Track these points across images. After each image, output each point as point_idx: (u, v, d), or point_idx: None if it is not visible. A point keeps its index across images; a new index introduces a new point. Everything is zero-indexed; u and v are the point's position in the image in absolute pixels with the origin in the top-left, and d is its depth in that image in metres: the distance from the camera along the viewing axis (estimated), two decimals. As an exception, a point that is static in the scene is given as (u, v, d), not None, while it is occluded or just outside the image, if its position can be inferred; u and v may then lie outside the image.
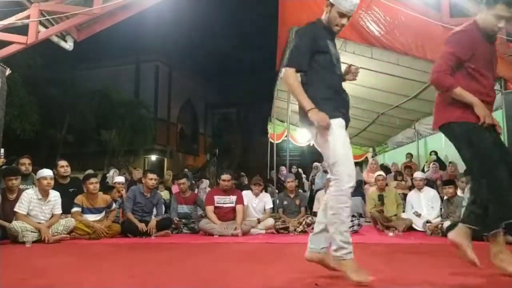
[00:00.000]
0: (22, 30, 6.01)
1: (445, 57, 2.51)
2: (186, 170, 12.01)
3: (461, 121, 2.44)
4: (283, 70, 2.42)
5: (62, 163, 5.49)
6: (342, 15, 2.38)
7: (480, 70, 2.47)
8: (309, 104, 2.29)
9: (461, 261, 2.49)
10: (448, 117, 2.50)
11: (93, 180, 5.19)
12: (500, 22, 2.45)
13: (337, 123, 2.32)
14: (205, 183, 8.70)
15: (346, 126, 2.41)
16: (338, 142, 2.29)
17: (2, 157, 6.46)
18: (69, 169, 5.52)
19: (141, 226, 5.18)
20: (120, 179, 6.62)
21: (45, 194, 4.65)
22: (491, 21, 2.46)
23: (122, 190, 6.25)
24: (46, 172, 4.68)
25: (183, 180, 6.00)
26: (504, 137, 6.33)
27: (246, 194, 6.00)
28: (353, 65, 2.56)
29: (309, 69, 2.40)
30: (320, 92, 2.37)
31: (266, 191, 6.62)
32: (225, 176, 5.76)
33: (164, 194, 7.40)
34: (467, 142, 2.45)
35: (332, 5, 2.40)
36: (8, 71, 5.99)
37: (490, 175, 2.35)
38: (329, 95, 2.38)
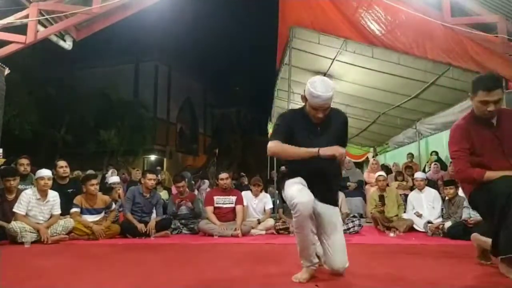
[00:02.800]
0: (21, 29, 5.98)
1: (456, 157, 2.57)
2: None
3: None
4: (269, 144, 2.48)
5: (62, 163, 5.44)
6: (315, 108, 2.41)
7: (486, 161, 2.48)
8: (313, 150, 2.34)
9: (462, 262, 2.47)
10: None
11: (93, 181, 5.16)
12: (489, 107, 2.43)
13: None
14: (207, 184, 8.66)
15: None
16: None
17: (1, 157, 6.43)
18: (68, 169, 5.49)
19: (140, 226, 5.15)
20: (115, 179, 6.53)
21: (43, 194, 4.62)
22: (480, 108, 2.47)
23: (119, 190, 6.20)
24: (44, 172, 4.64)
25: (182, 183, 5.98)
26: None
27: (246, 194, 5.97)
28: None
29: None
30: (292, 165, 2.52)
31: (266, 191, 6.58)
32: (223, 175, 5.74)
33: (163, 194, 7.37)
34: None
35: (306, 98, 2.44)
36: (7, 71, 5.97)
37: None
38: (296, 169, 2.48)
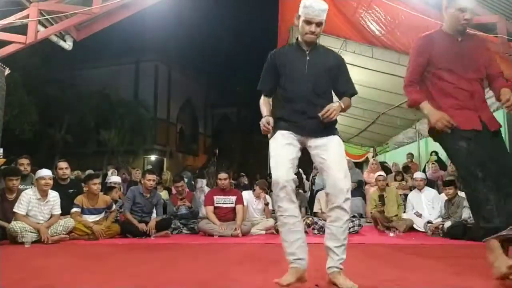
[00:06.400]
0: (21, 29, 5.98)
1: (409, 68, 2.52)
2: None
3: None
4: None
5: (62, 165, 5.41)
6: (308, 22, 2.39)
7: (441, 72, 2.41)
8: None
9: (462, 262, 2.47)
10: None
11: (96, 180, 5.16)
12: (465, 14, 2.45)
13: (276, 136, 2.46)
14: (201, 182, 8.65)
15: (303, 130, 2.37)
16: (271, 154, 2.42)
17: (1, 157, 6.43)
18: (68, 171, 5.45)
19: (141, 226, 5.16)
20: (115, 179, 6.51)
21: (44, 194, 4.62)
22: (456, 16, 2.46)
23: (120, 190, 6.20)
24: (44, 172, 4.64)
25: (181, 183, 5.99)
26: (504, 137, 6.32)
27: (247, 194, 5.98)
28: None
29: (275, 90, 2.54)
30: (276, 111, 2.49)
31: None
32: (222, 175, 5.75)
33: (163, 194, 7.36)
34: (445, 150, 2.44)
35: (299, 16, 2.43)
36: (7, 71, 5.96)
37: (467, 186, 2.28)
38: (279, 113, 2.46)
